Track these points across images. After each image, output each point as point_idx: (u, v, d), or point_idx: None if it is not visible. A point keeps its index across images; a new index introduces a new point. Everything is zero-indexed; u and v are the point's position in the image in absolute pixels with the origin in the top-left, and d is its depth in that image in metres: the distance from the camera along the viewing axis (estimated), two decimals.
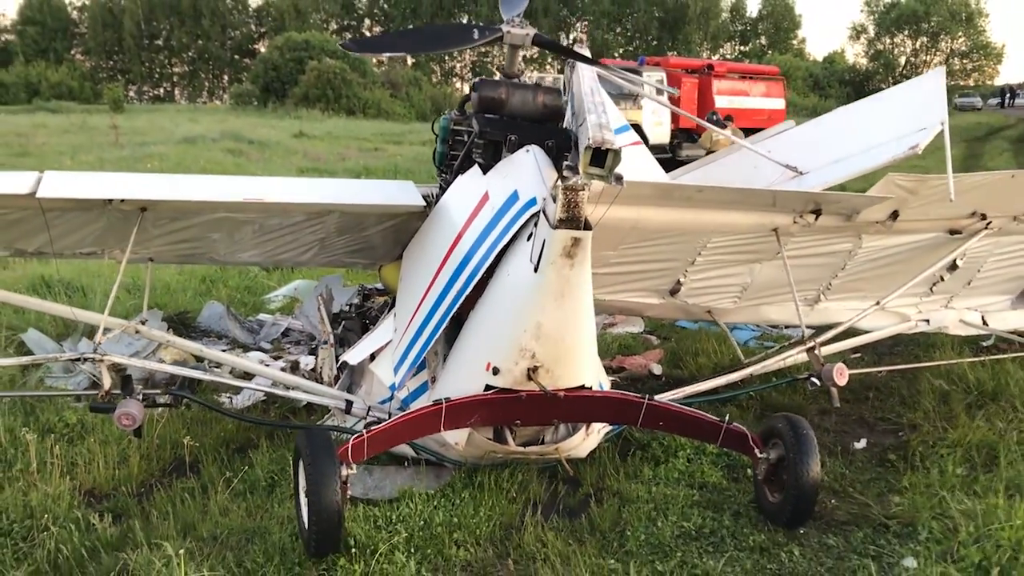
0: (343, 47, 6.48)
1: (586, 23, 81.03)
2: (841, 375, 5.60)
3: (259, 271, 9.52)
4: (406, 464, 5.07)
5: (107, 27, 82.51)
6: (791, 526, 4.46)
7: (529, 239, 4.30)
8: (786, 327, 7.89)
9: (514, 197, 4.57)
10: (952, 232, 6.44)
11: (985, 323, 7.31)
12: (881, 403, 6.20)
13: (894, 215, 6.02)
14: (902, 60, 76.18)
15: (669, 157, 22.78)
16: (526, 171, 4.68)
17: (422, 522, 4.38)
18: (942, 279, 6.81)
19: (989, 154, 32.52)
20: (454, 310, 4.68)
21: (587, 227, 4.13)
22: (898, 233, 6.31)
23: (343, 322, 6.33)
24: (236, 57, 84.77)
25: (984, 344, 7.46)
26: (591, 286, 4.47)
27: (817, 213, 5.81)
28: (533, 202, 4.32)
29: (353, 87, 50.48)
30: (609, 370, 6.86)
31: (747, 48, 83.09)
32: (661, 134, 22.50)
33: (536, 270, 4.21)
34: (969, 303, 7.26)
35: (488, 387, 4.42)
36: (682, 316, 7.09)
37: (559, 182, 4.11)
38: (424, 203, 5.36)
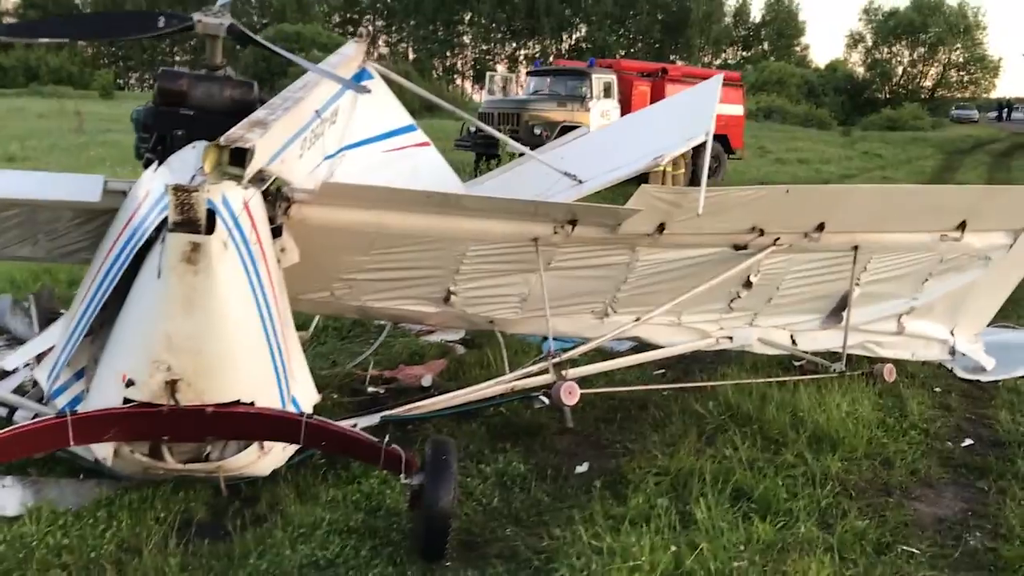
0: None
1: (587, 24, 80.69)
2: (570, 394, 5.38)
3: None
4: (82, 476, 4.81)
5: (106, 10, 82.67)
6: (426, 558, 4.17)
7: (163, 243, 4.04)
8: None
9: (162, 197, 4.32)
10: (737, 247, 6.19)
11: (794, 342, 7.05)
12: (627, 425, 5.88)
13: (660, 228, 5.80)
14: (899, 70, 75.52)
15: None
16: (182, 169, 4.44)
17: (34, 543, 4.10)
18: (739, 295, 6.59)
19: (965, 167, 32.23)
20: (93, 316, 4.43)
21: (209, 231, 3.88)
22: (677, 247, 6.10)
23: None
24: (237, 47, 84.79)
25: (796, 364, 7.15)
26: (240, 294, 4.23)
27: (573, 223, 5.61)
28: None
29: None
30: (380, 379, 6.59)
31: (749, 53, 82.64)
32: None
33: (159, 276, 3.97)
34: (776, 321, 6.98)
35: (127, 400, 4.16)
36: (464, 325, 6.84)
37: (169, 183, 3.88)
38: (99, 200, 5.10)
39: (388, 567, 4.10)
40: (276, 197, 5.30)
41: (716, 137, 24.75)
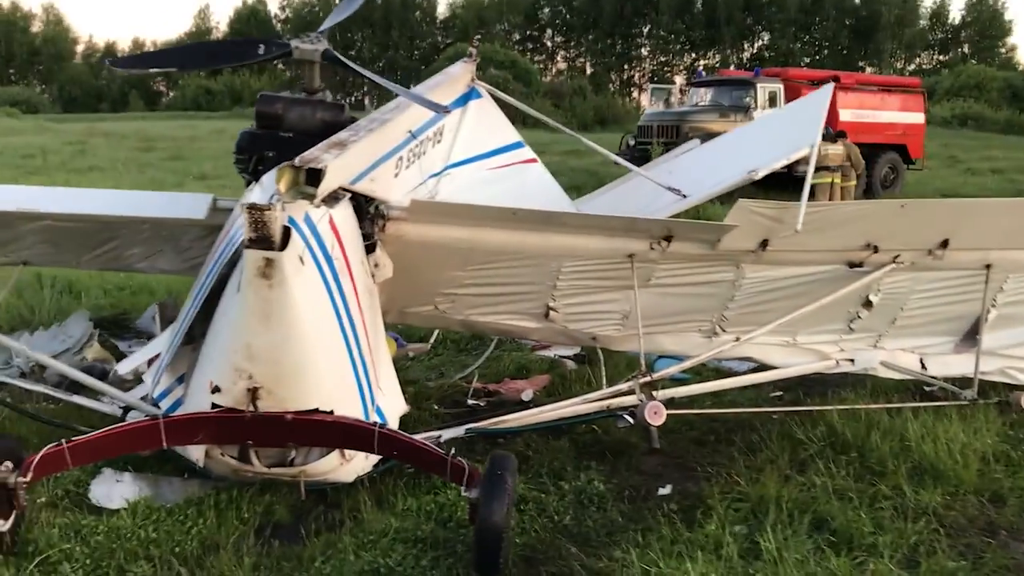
0: (111, 64, 6.79)
1: (769, 33, 78.43)
2: (656, 414, 5.30)
3: None
4: (186, 475, 5.14)
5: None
6: (480, 572, 4.19)
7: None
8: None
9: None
10: (852, 265, 5.92)
11: (924, 366, 6.63)
12: (720, 448, 5.69)
13: (763, 244, 5.65)
14: None
15: (786, 173, 21.75)
16: (271, 188, 4.68)
17: (127, 535, 4.43)
18: (859, 316, 6.29)
19: None
20: (189, 324, 4.75)
21: (283, 247, 4.11)
22: (786, 264, 5.92)
23: None
24: (423, 67, 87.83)
25: (927, 389, 6.71)
26: (319, 307, 4.44)
27: (669, 239, 5.56)
28: None
29: (516, 97, 50.95)
30: (483, 392, 6.69)
31: (946, 57, 77.90)
32: None
33: (238, 290, 4.24)
34: (903, 344, 6.61)
35: (215, 406, 4.44)
36: (567, 341, 6.84)
37: (243, 202, 4.13)
38: (200, 216, 5.45)
39: None
40: (373, 214, 5.54)
41: (893, 147, 23.61)
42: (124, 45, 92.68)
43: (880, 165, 22.82)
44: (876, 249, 5.81)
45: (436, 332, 7.89)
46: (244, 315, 4.23)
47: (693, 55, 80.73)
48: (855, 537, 4.40)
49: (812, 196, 19.55)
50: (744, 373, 6.71)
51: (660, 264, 5.73)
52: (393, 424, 5.25)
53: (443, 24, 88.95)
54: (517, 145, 6.96)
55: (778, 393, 6.94)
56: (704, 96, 22.42)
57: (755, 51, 78.82)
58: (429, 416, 6.14)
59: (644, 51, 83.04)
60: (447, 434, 5.40)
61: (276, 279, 4.09)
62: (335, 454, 4.78)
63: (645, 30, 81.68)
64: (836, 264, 5.93)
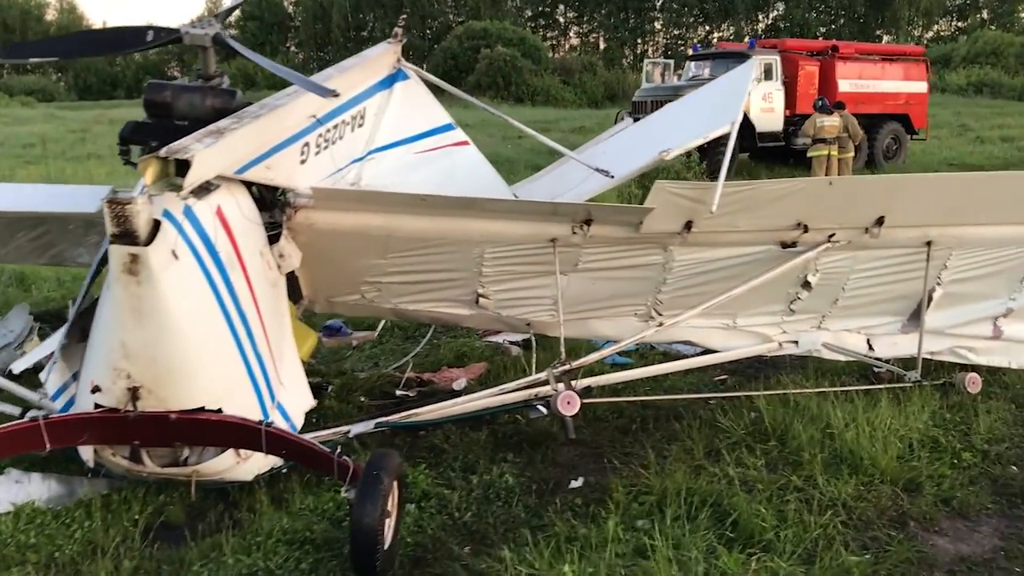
0: None
1: (784, 3, 77.07)
2: (568, 404, 5.13)
3: None
4: (88, 474, 5.02)
5: (317, 20, 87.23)
6: (358, 573, 4.06)
7: None
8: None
9: None
10: (784, 245, 5.72)
11: (871, 348, 6.43)
12: (642, 437, 5.50)
13: (688, 226, 5.45)
14: None
15: (782, 146, 21.41)
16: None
17: (7, 540, 4.31)
18: (798, 297, 6.10)
19: None
20: (74, 321, 4.64)
21: (148, 242, 3.98)
22: (715, 246, 5.74)
23: None
24: (435, 47, 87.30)
25: (876, 371, 6.49)
26: (199, 302, 4.31)
27: (589, 223, 5.38)
28: None
29: (524, 74, 50.72)
30: (416, 383, 6.54)
31: (965, 24, 76.27)
32: (772, 121, 21.07)
33: (109, 287, 4.12)
34: (848, 324, 6.41)
35: (98, 405, 4.33)
36: (503, 328, 6.67)
37: (104, 197, 3.99)
38: (95, 211, 5.30)
39: None
40: (279, 203, 5.39)
41: (895, 117, 23.02)
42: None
43: (882, 136, 22.35)
44: (806, 228, 5.61)
45: (383, 321, 7.74)
46: (116, 312, 4.12)
47: (707, 27, 79.63)
48: (756, 532, 4.21)
49: (809, 169, 19.25)
50: (690, 357, 6.49)
51: (585, 248, 5.56)
52: (298, 420, 5.12)
53: (454, 3, 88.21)
54: (447, 127, 6.75)
55: (723, 377, 6.75)
56: (700, 70, 22.01)
57: (770, 22, 77.57)
58: (353, 408, 5.99)
59: (657, 24, 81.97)
60: (356, 429, 5.25)
61: (143, 275, 3.97)
62: (230, 453, 4.65)
63: (658, 3, 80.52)
64: (768, 245, 5.73)
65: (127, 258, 3.94)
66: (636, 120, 21.57)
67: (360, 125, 6.20)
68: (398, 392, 6.32)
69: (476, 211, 5.44)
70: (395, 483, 4.19)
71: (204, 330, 4.34)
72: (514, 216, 5.48)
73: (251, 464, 4.77)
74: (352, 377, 6.55)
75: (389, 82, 6.51)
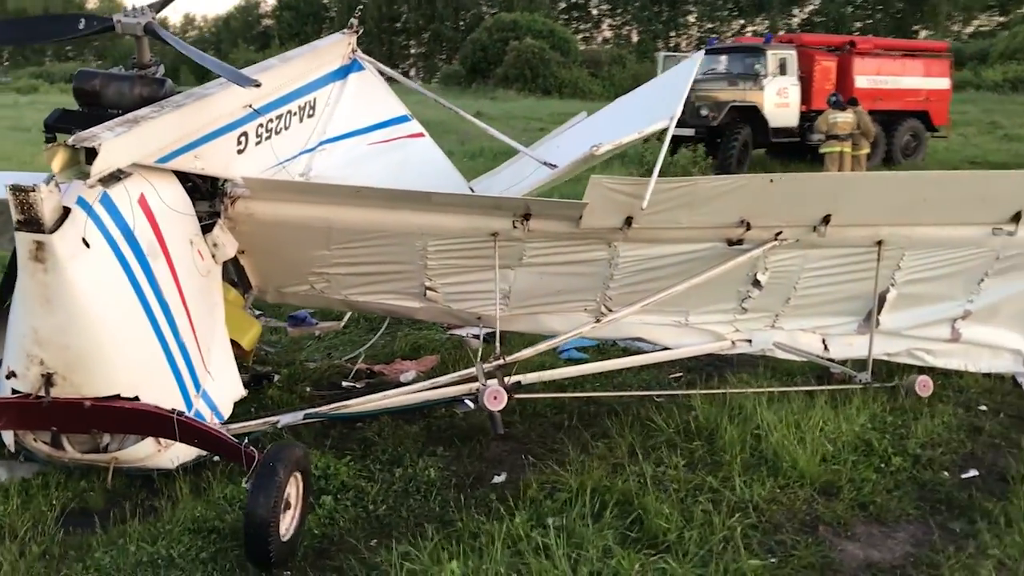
0: None
1: None
2: (496, 399, 5.12)
3: None
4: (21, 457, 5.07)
5: (351, 10, 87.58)
6: (254, 564, 4.06)
7: None
8: None
9: None
10: (731, 242, 5.65)
11: (827, 347, 6.34)
12: (574, 434, 5.44)
13: (628, 221, 5.41)
14: None
15: (797, 141, 21.13)
16: None
17: None
18: (749, 295, 6.03)
19: None
20: None
21: (54, 230, 4.01)
22: (661, 243, 5.69)
23: None
24: (468, 38, 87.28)
25: (832, 371, 6.39)
26: (113, 290, 4.34)
27: (528, 217, 5.37)
28: None
29: (551, 67, 50.59)
30: (366, 374, 6.55)
31: (1007, 18, 74.75)
32: (787, 117, 20.77)
33: (20, 273, 4.17)
34: (803, 324, 6.32)
35: (16, 391, 4.38)
36: (456, 321, 6.64)
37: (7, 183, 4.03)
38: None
39: (215, 571, 4.04)
40: (216, 192, 5.41)
41: (915, 114, 22.60)
42: (175, 20, 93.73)
43: (901, 133, 21.98)
44: (749, 226, 5.53)
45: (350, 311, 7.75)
46: (27, 299, 4.17)
47: (741, 21, 78.82)
48: (658, 534, 4.16)
49: (821, 165, 18.96)
50: (646, 353, 6.42)
51: (529, 243, 5.54)
52: (225, 410, 5.15)
53: None
54: (402, 119, 6.74)
55: (678, 374, 6.68)
56: (715, 64, 21.77)
57: (805, 17, 76.60)
58: (297, 399, 6.01)
59: (691, 18, 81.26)
60: (285, 419, 5.27)
61: (50, 262, 4.01)
62: (150, 441, 4.69)
63: None
64: (713, 242, 5.66)
65: (32, 245, 3.99)
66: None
67: (310, 115, 6.21)
68: (344, 383, 6.32)
69: (414, 204, 5.43)
70: (296, 476, 4.19)
71: (119, 318, 4.37)
72: (453, 210, 5.46)
73: (173, 452, 4.81)
74: (301, 367, 6.56)
75: (343, 73, 6.51)
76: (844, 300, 6.15)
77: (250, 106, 5.36)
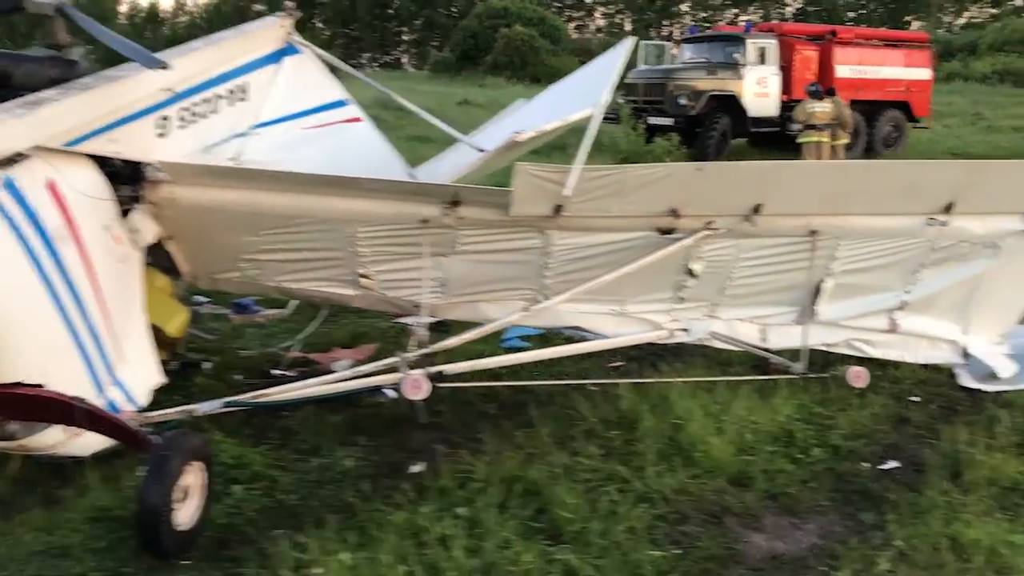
0: None
1: None
2: (416, 388, 5.06)
3: None
4: None
5: None
6: (147, 552, 4.01)
7: None
8: None
9: None
10: (662, 231, 5.60)
11: (765, 338, 6.29)
12: (500, 423, 5.39)
13: (558, 209, 5.35)
14: None
15: (777, 131, 21.07)
16: None
17: None
18: (685, 285, 5.97)
19: None
20: None
21: None
22: (593, 231, 5.64)
23: None
24: (458, 25, 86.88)
25: (770, 361, 6.33)
26: (16, 276, 4.27)
27: (457, 203, 5.31)
28: None
29: (541, 54, 50.39)
30: (299, 362, 6.49)
31: (999, 10, 74.63)
32: (767, 106, 20.73)
33: None
34: (741, 314, 6.26)
35: None
36: (392, 309, 6.56)
37: None
38: None
39: (109, 560, 3.99)
40: (135, 177, 5.33)
41: (896, 104, 22.58)
42: (167, 5, 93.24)
43: (882, 123, 21.94)
44: (679, 215, 5.48)
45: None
46: None
47: (735, 10, 78.59)
48: (563, 524, 4.11)
49: (799, 155, 18.92)
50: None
51: (461, 230, 5.47)
52: (142, 397, 5.07)
53: None
54: (339, 103, 6.66)
55: (618, 364, 6.63)
56: (695, 53, 21.71)
57: (799, 6, 76.43)
58: (226, 387, 5.94)
59: (684, 7, 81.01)
60: (203, 408, 5.19)
61: None
62: (58, 428, 4.62)
63: None
64: (645, 231, 5.61)
65: None
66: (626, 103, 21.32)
67: (241, 99, 6.12)
68: (274, 372, 6.26)
69: (339, 189, 5.36)
70: (193, 464, 4.14)
71: (21, 303, 4.29)
72: (381, 196, 5.40)
73: (86, 440, 4.73)
74: (234, 355, 6.50)
75: (277, 56, 6.43)
76: (781, 290, 6.11)
77: (171, 89, 5.27)
